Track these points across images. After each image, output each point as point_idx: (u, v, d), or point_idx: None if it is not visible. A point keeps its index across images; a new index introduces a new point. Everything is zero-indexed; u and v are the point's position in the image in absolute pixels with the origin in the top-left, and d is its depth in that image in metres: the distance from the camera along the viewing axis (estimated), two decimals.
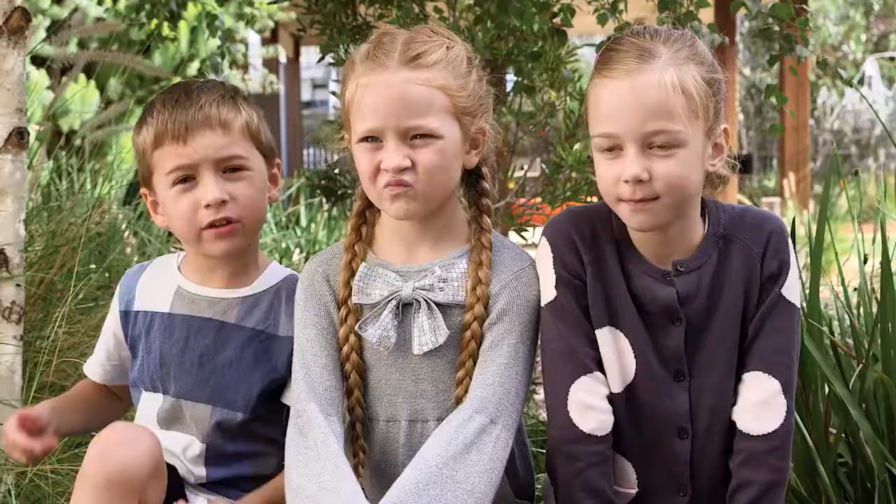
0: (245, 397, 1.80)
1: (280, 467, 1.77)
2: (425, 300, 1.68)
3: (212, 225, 1.78)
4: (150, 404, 1.85)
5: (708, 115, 1.61)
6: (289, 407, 1.77)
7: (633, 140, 1.59)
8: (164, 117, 1.78)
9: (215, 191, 1.76)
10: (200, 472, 1.83)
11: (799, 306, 1.71)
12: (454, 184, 1.70)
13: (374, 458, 1.75)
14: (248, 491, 1.82)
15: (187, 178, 1.78)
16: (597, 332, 1.71)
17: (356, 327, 1.70)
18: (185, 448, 1.83)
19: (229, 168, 1.79)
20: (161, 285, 1.89)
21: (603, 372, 1.71)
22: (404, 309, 1.70)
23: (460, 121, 1.66)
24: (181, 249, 1.97)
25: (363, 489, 1.63)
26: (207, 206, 1.77)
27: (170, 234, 3.72)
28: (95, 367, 1.97)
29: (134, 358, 1.89)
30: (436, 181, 1.65)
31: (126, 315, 1.90)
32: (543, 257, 1.71)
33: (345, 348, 1.72)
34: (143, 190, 1.88)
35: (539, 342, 1.74)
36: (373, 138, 1.64)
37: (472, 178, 1.78)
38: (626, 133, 1.59)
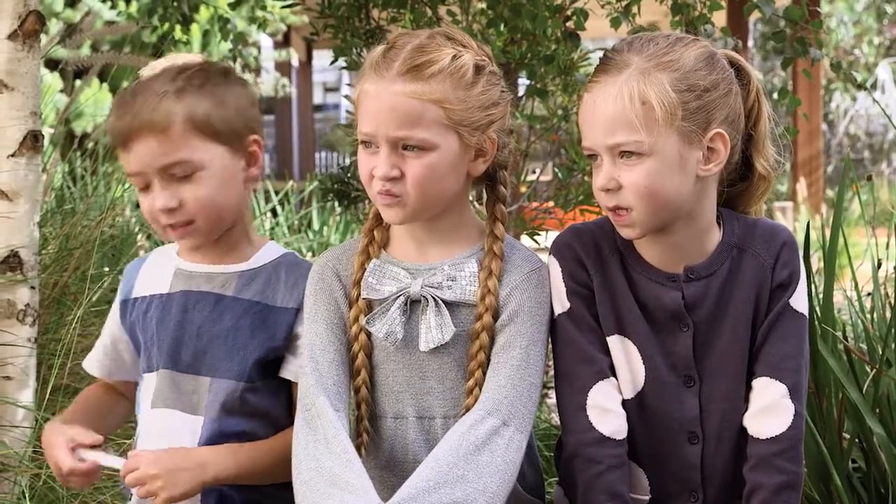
0: (241, 365, 1.78)
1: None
2: (433, 297, 1.69)
3: (170, 226, 1.77)
4: (149, 384, 1.83)
5: (688, 121, 1.60)
6: (286, 382, 1.79)
7: (603, 151, 1.62)
8: (112, 121, 1.75)
9: (160, 200, 1.74)
10: None
11: (807, 316, 1.71)
12: (453, 192, 1.70)
13: (382, 455, 1.75)
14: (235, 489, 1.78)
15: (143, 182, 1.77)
16: (607, 339, 1.71)
17: (364, 322, 1.71)
18: (177, 429, 1.78)
19: (173, 174, 1.75)
20: (161, 270, 1.88)
21: (616, 378, 1.71)
22: (412, 306, 1.71)
23: (458, 132, 1.66)
24: None
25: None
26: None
27: None
28: (93, 363, 1.96)
29: (136, 347, 1.87)
30: (426, 192, 1.66)
31: (125, 304, 1.89)
32: (554, 273, 1.73)
33: (354, 346, 1.73)
34: None
35: (553, 349, 1.74)
36: (369, 143, 1.67)
37: (490, 181, 1.78)
38: (594, 145, 1.63)
